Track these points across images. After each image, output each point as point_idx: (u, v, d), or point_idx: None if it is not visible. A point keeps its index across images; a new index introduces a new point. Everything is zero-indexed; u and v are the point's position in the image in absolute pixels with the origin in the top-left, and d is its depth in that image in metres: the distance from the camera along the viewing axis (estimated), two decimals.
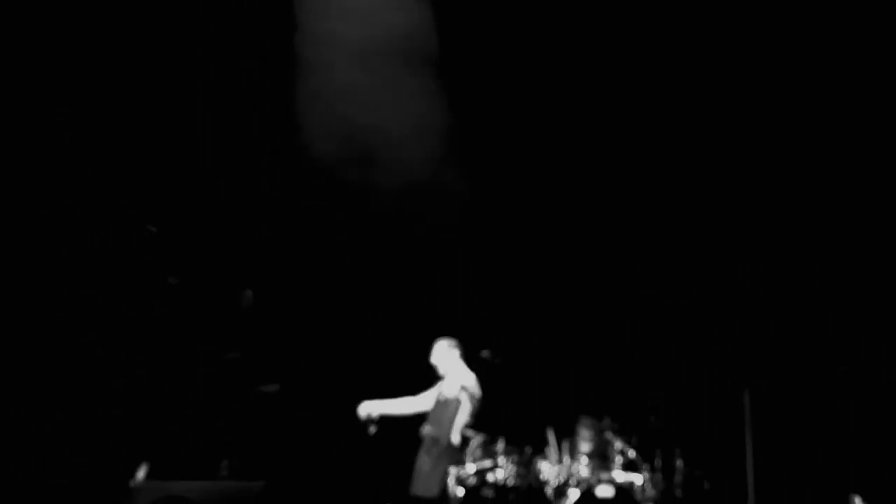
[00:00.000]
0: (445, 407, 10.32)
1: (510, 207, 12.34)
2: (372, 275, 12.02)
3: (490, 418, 10.47)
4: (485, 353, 10.64)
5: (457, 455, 10.09)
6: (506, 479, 10.13)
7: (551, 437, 10.54)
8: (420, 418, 10.60)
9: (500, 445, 10.21)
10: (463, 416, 10.16)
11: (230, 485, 9.81)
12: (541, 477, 10.26)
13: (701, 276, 12.05)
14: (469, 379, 10.34)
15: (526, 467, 10.22)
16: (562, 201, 12.40)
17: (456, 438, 10.15)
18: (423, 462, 10.28)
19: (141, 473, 9.87)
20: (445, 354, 10.59)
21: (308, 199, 11.85)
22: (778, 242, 11.95)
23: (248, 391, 10.41)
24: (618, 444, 10.51)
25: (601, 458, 10.54)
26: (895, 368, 11.19)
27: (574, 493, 10.10)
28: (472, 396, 10.19)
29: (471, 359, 10.63)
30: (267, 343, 10.86)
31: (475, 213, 12.03)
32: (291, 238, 11.81)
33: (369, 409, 10.28)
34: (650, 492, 10.30)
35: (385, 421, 10.39)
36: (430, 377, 10.62)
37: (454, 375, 10.45)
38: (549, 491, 10.19)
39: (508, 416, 10.76)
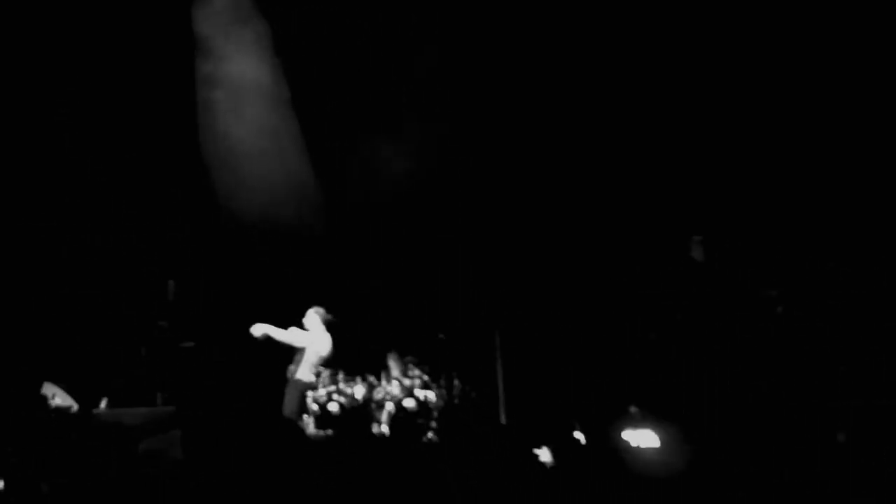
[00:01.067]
0: (301, 353, 15.37)
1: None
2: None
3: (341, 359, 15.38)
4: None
5: (308, 386, 14.99)
6: (345, 400, 15.15)
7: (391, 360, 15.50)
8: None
9: (341, 376, 15.29)
10: (310, 361, 15.10)
11: (165, 410, 14.82)
12: (366, 395, 15.24)
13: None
14: (321, 338, 15.34)
15: (356, 389, 15.25)
16: None
17: (306, 376, 15.09)
18: (287, 391, 15.30)
19: (103, 404, 14.77)
20: (312, 319, 15.49)
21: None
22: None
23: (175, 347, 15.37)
24: (417, 371, 15.44)
25: (405, 381, 15.51)
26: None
27: (389, 406, 15.10)
28: (317, 352, 15.14)
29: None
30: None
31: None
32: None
33: (261, 329, 14.86)
34: (438, 402, 15.19)
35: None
36: None
37: (312, 334, 15.45)
38: (372, 405, 15.20)
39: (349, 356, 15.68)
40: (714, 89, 14.22)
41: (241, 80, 16.29)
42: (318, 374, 15.11)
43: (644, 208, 15.40)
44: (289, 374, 15.04)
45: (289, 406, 14.80)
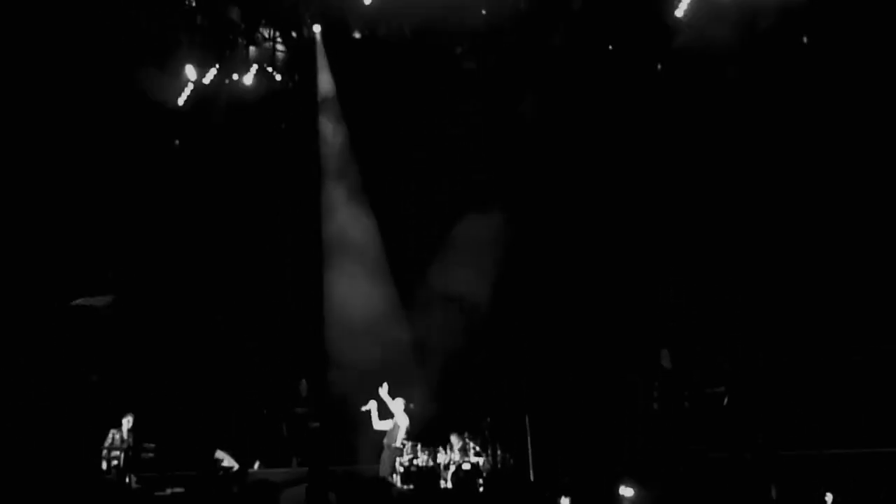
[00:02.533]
0: (394, 430, 21.50)
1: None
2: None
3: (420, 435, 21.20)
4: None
5: (397, 452, 20.84)
6: (422, 463, 20.97)
7: (454, 438, 21.24)
8: None
9: (419, 446, 21.08)
10: (399, 435, 21.11)
11: (299, 470, 21.10)
12: (436, 460, 21.17)
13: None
14: (403, 419, 21.34)
15: (430, 456, 21.24)
16: None
17: (396, 444, 21.07)
18: (383, 456, 21.15)
19: (256, 466, 20.74)
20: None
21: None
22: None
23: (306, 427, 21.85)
24: (471, 444, 21.24)
25: (464, 451, 21.34)
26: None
27: (452, 468, 20.85)
28: (402, 428, 20.88)
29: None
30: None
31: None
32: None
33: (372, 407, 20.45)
34: (486, 465, 20.77)
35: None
36: None
37: (398, 416, 21.51)
38: (440, 467, 20.91)
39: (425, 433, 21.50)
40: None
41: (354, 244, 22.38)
42: (403, 445, 21.10)
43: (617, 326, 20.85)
44: (385, 443, 21.23)
45: (384, 467, 20.66)
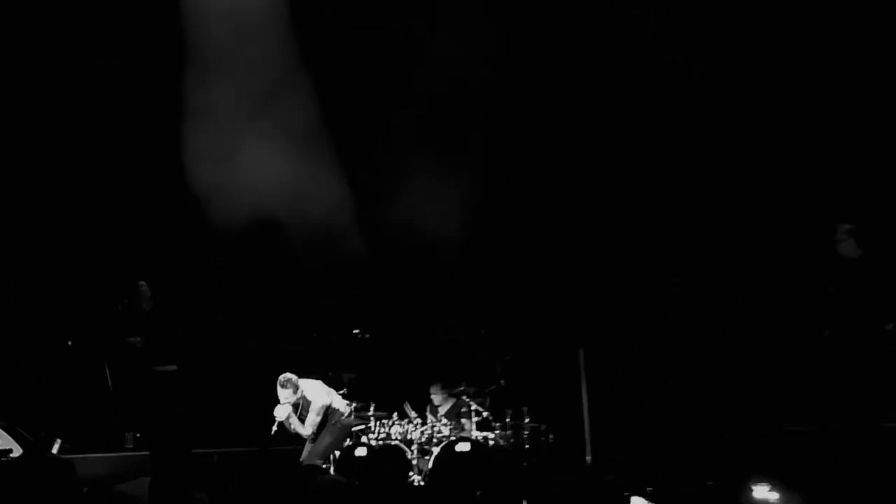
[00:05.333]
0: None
1: None
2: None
3: (362, 388, 11.92)
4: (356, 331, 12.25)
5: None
6: (376, 439, 11.59)
7: (408, 408, 11.95)
8: None
9: (372, 411, 11.72)
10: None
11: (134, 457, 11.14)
12: (407, 437, 11.62)
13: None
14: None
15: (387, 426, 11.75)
16: None
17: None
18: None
19: (55, 448, 11.13)
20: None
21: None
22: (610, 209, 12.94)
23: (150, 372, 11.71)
24: (473, 406, 11.83)
25: (456, 416, 11.96)
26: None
27: (436, 450, 11.35)
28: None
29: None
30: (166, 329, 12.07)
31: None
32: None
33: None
34: (502, 445, 11.58)
35: None
36: None
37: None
38: (413, 448, 11.52)
39: (376, 386, 12.19)
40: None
41: None
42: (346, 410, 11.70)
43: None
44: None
45: (315, 449, 11.50)
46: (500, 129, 12.96)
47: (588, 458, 11.89)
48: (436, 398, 12.27)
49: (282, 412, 11.19)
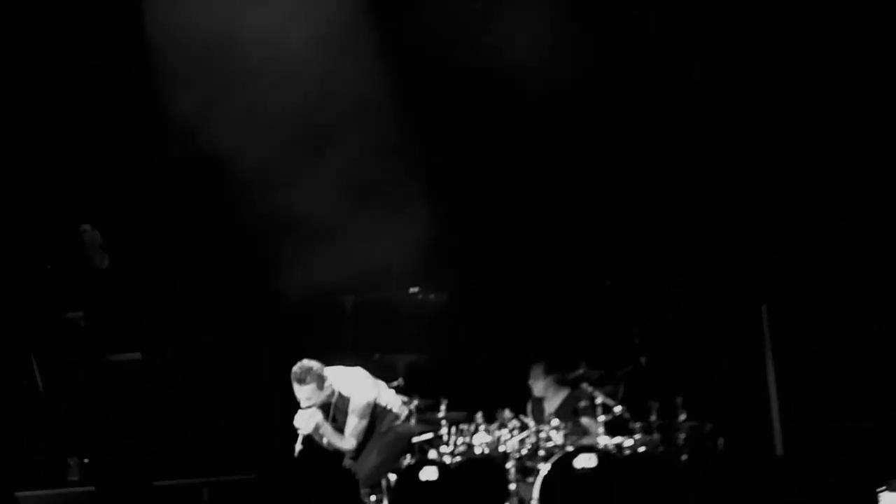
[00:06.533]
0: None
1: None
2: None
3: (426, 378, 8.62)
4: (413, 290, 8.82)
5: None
6: (451, 455, 8.15)
7: (505, 414, 8.57)
8: None
9: (443, 411, 8.26)
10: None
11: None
12: (498, 449, 8.16)
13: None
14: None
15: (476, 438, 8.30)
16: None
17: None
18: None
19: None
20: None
21: None
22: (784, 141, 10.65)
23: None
24: (598, 399, 8.28)
25: (576, 418, 8.51)
26: None
27: (544, 467, 7.81)
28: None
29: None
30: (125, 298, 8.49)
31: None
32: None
33: None
34: (642, 446, 8.14)
35: None
36: None
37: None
38: (510, 466, 7.98)
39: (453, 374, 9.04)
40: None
41: None
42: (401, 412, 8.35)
43: None
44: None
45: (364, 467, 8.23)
46: None
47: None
48: (539, 388, 8.80)
49: (307, 420, 7.80)
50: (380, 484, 8.19)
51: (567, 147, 10.65)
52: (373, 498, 8.08)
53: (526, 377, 8.94)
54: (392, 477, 8.13)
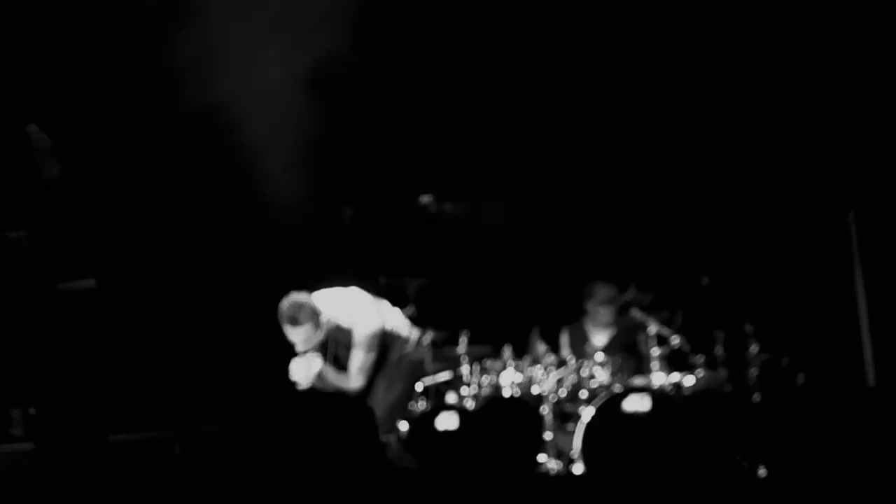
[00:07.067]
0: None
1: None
2: None
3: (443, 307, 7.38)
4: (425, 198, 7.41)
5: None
6: (473, 398, 6.97)
7: (537, 339, 7.52)
8: None
9: (463, 346, 7.04)
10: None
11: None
12: (531, 390, 6.98)
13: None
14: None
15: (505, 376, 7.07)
16: None
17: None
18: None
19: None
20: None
21: None
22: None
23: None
24: (652, 328, 7.07)
25: (627, 353, 7.35)
26: None
27: (587, 412, 6.57)
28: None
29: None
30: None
31: None
32: None
33: None
34: (705, 383, 6.97)
35: None
36: None
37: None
38: (545, 412, 6.75)
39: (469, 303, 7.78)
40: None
41: None
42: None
43: None
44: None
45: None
46: None
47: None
48: (596, 314, 7.52)
49: (306, 370, 6.65)
50: (395, 425, 6.95)
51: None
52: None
53: (564, 301, 7.61)
54: (403, 426, 6.92)
